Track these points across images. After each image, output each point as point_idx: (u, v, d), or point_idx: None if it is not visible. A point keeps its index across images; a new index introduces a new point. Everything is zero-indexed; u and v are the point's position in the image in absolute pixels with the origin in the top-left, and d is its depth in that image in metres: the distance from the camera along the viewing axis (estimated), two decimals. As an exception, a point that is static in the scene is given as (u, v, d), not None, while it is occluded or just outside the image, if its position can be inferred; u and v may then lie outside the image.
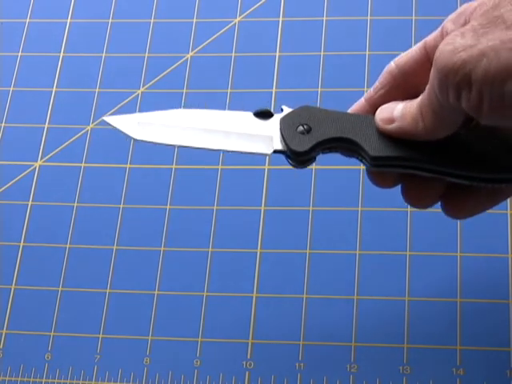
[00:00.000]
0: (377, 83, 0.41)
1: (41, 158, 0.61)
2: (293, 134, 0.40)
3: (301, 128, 0.40)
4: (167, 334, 0.54)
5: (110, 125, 0.43)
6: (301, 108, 0.41)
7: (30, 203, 0.60)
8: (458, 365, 0.51)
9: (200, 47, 0.64)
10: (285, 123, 0.40)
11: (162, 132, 0.42)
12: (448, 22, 0.37)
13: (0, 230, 0.59)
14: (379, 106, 0.40)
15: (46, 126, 0.62)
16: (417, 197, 0.41)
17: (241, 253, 0.56)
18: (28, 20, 0.67)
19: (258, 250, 0.56)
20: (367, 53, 0.61)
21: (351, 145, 0.40)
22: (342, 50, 0.62)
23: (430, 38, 0.38)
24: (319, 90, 0.60)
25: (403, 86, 0.40)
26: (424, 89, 0.36)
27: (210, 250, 0.56)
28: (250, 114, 0.42)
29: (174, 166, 0.59)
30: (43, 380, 0.54)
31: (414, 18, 0.62)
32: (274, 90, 0.61)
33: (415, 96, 0.38)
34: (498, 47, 0.30)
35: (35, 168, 0.61)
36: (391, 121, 0.38)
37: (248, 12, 0.65)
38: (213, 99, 0.61)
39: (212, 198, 0.58)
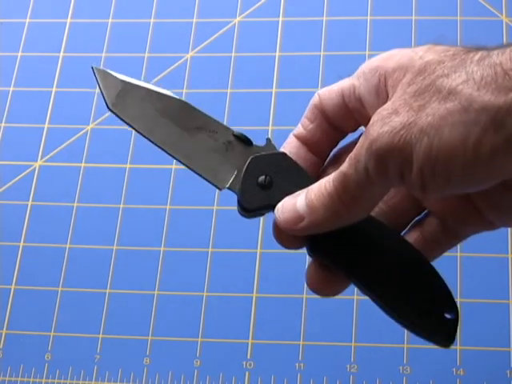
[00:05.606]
0: (304, 118, 0.37)
1: (41, 158, 0.61)
2: (251, 183, 0.36)
3: (262, 178, 0.35)
4: (167, 334, 0.54)
5: (97, 73, 0.37)
6: (277, 154, 0.36)
7: (29, 203, 0.60)
8: (458, 365, 0.51)
9: (200, 47, 0.64)
10: (251, 167, 0.36)
11: (137, 113, 0.37)
12: (358, 80, 0.36)
13: (0, 230, 0.59)
14: (312, 143, 0.36)
15: (46, 126, 0.62)
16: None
17: (241, 253, 0.56)
18: (28, 20, 0.67)
19: (258, 250, 0.56)
20: (367, 53, 0.61)
21: None
22: (342, 49, 0.62)
23: (345, 88, 0.37)
24: (319, 90, 0.60)
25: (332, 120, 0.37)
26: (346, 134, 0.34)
27: (210, 250, 0.56)
28: (230, 132, 0.37)
29: (173, 166, 0.59)
30: (43, 380, 0.54)
31: (413, 17, 0.62)
32: (273, 90, 0.61)
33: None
34: (439, 124, 0.28)
35: (35, 168, 0.61)
36: (299, 219, 0.33)
37: (248, 12, 0.65)
38: (213, 99, 0.61)
39: (212, 198, 0.58)
